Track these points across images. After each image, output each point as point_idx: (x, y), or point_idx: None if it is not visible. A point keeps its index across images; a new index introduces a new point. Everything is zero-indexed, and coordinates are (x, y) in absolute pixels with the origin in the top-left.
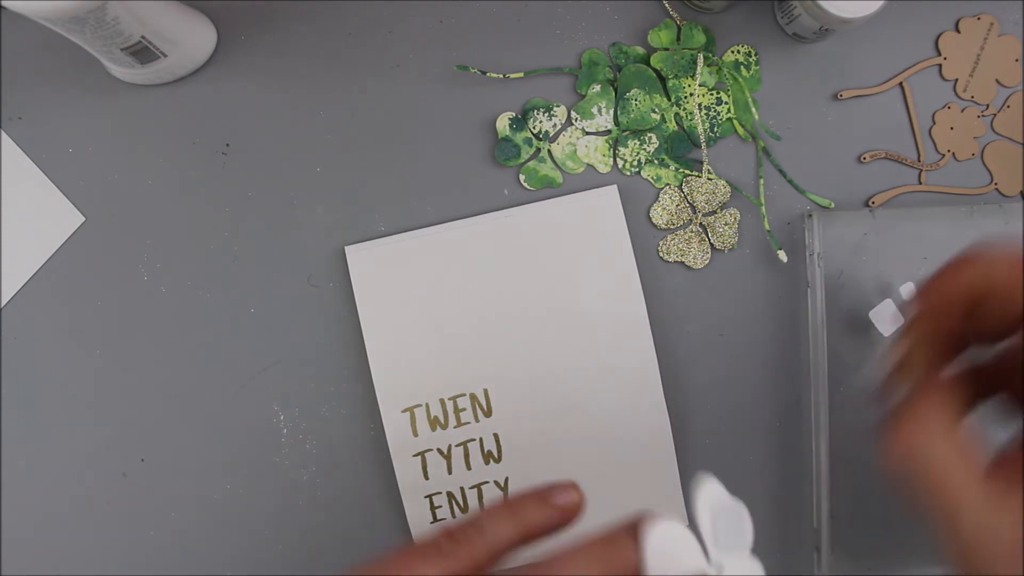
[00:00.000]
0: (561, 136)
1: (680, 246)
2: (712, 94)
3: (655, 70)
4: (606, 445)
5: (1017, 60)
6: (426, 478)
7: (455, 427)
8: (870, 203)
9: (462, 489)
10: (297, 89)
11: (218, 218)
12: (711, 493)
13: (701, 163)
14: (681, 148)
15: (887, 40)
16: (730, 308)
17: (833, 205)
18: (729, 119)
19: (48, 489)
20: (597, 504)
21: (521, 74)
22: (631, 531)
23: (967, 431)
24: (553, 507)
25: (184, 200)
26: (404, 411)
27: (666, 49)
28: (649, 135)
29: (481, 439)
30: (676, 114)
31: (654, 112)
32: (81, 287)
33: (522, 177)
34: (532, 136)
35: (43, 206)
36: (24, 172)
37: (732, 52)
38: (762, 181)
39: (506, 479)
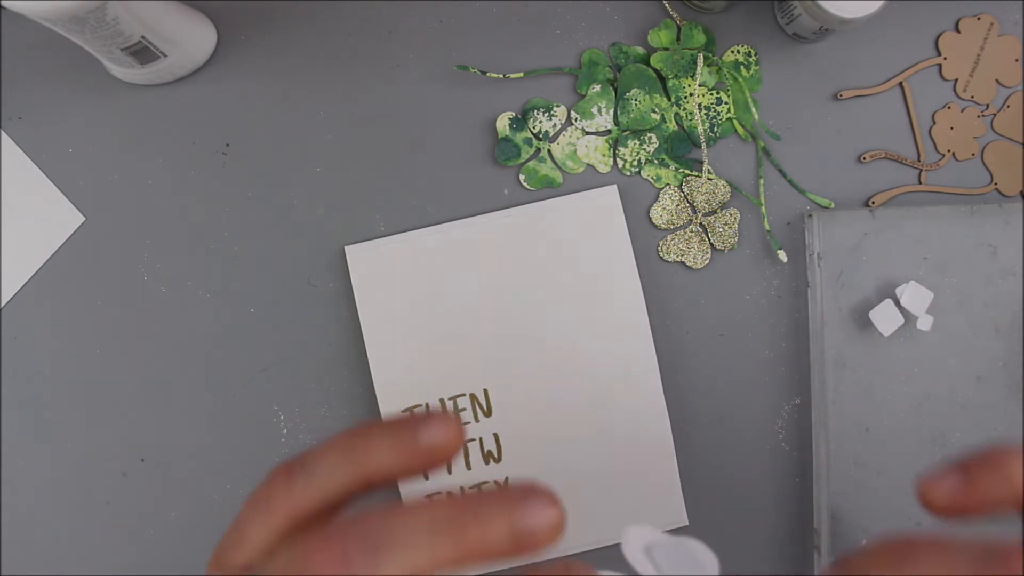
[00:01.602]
0: (561, 136)
1: (680, 246)
2: (712, 94)
3: (655, 70)
4: (606, 444)
5: (1017, 60)
6: (425, 478)
7: None
8: (870, 203)
9: (462, 489)
10: (297, 89)
11: (218, 218)
12: (640, 536)
13: (701, 163)
14: (681, 148)
15: (887, 40)
16: (730, 308)
17: (833, 205)
18: (729, 119)
19: (48, 489)
20: (596, 503)
21: (521, 74)
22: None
23: None
24: (414, 445)
25: (184, 200)
26: (404, 411)
27: (666, 49)
28: (649, 135)
29: (481, 439)
30: (676, 114)
31: (654, 112)
32: (81, 287)
33: (522, 177)
34: (532, 136)
35: (43, 206)
36: (24, 172)
37: (732, 52)
38: (762, 181)
39: (506, 479)
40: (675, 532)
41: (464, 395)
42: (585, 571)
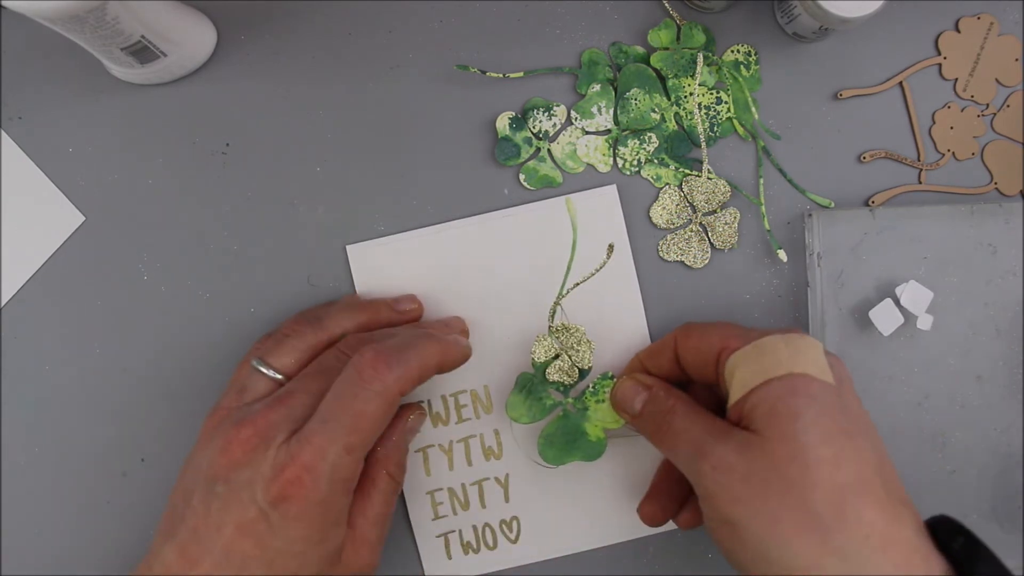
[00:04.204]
0: (561, 136)
1: (680, 246)
2: (712, 94)
3: (655, 70)
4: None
5: (1017, 60)
6: (428, 474)
7: (456, 423)
8: (870, 203)
9: (463, 485)
10: (297, 89)
11: (218, 218)
12: None
13: (701, 163)
14: (681, 148)
15: (887, 40)
16: (730, 308)
17: (833, 205)
18: (729, 119)
19: (48, 489)
20: (596, 502)
21: (521, 74)
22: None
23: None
24: (395, 310)
25: (184, 200)
26: (402, 406)
27: (666, 49)
28: (649, 135)
29: (482, 435)
30: (676, 114)
31: (654, 112)
32: (81, 287)
33: (522, 177)
34: (532, 136)
35: (43, 206)
36: (24, 172)
37: (732, 52)
38: (762, 181)
39: (507, 475)
40: (675, 532)
41: (465, 391)
42: None
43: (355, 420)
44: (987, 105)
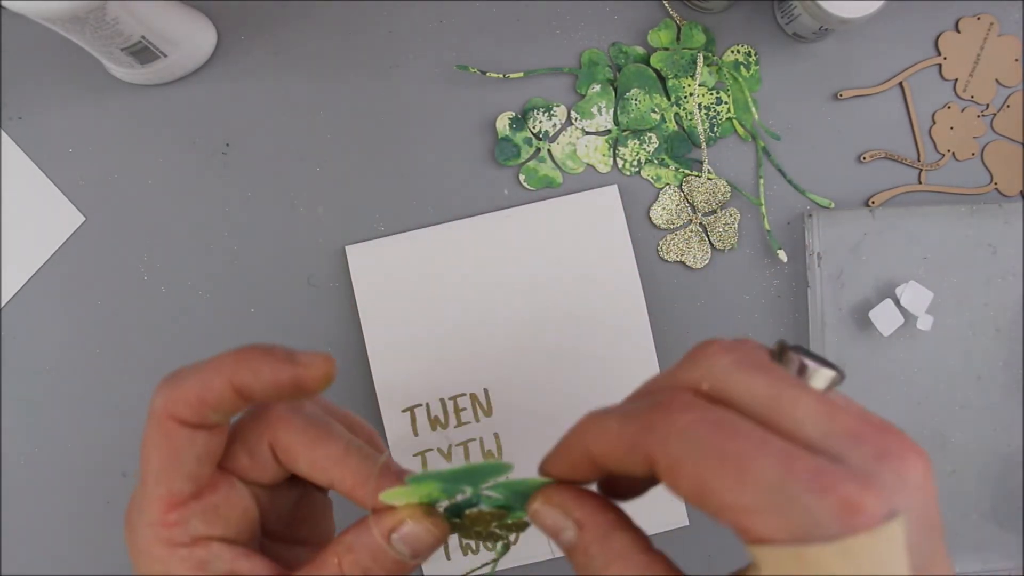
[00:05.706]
0: (561, 136)
1: (680, 246)
2: (712, 94)
3: (655, 70)
4: None
5: (1017, 60)
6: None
7: (455, 427)
8: (870, 203)
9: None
10: (297, 89)
11: (218, 218)
12: None
13: (701, 163)
14: (681, 148)
15: (887, 40)
16: (730, 308)
17: (833, 205)
18: (729, 119)
19: (48, 489)
20: None
21: (521, 74)
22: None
23: None
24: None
25: (184, 200)
26: (404, 411)
27: (666, 49)
28: (649, 135)
29: (481, 438)
30: (676, 114)
31: (654, 112)
32: (81, 287)
33: (522, 177)
34: (532, 136)
35: (43, 206)
36: (24, 172)
37: (732, 52)
38: (762, 181)
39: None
40: (675, 532)
41: (465, 395)
42: None
43: (141, 447)
44: (987, 105)
